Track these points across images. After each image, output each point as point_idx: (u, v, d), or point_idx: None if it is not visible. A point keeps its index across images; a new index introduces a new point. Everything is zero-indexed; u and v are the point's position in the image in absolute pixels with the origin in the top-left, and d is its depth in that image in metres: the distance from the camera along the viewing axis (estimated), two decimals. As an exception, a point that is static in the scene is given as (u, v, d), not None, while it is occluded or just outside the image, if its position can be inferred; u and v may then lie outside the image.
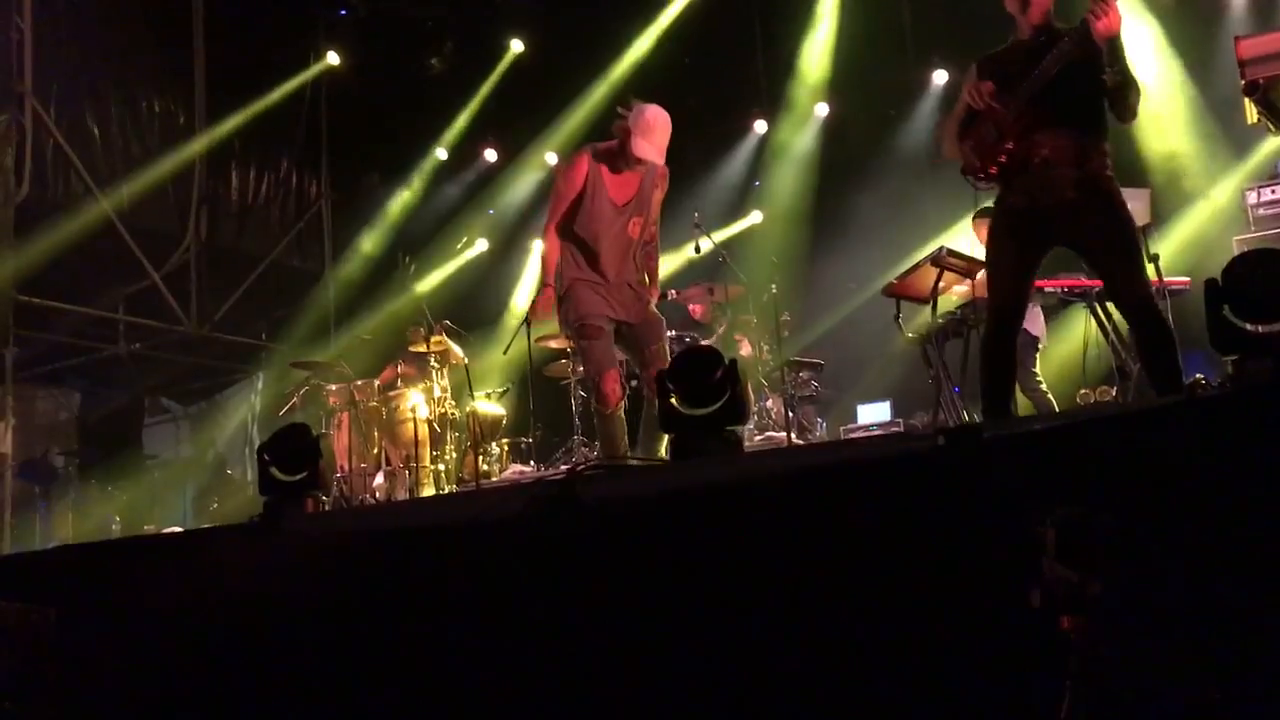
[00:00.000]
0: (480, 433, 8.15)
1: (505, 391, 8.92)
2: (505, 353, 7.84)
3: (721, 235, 9.46)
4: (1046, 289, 5.44)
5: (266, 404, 11.26)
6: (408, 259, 12.05)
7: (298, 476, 4.08)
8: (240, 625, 3.52)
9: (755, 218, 10.62)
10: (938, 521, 2.59)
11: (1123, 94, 3.95)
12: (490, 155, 11.76)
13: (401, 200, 11.81)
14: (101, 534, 9.12)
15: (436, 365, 8.43)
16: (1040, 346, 6.65)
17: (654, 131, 4.91)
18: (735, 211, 10.65)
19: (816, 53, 10.32)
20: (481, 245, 11.54)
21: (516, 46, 11.36)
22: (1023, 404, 6.26)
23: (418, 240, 11.91)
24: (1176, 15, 8.56)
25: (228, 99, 10.40)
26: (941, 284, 5.95)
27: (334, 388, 8.62)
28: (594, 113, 10.34)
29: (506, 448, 8.63)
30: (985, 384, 4.19)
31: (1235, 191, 7.22)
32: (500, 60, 11.41)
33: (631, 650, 2.89)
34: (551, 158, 10.88)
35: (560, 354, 8.12)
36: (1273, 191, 6.65)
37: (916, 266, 5.99)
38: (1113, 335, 5.49)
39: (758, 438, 7.59)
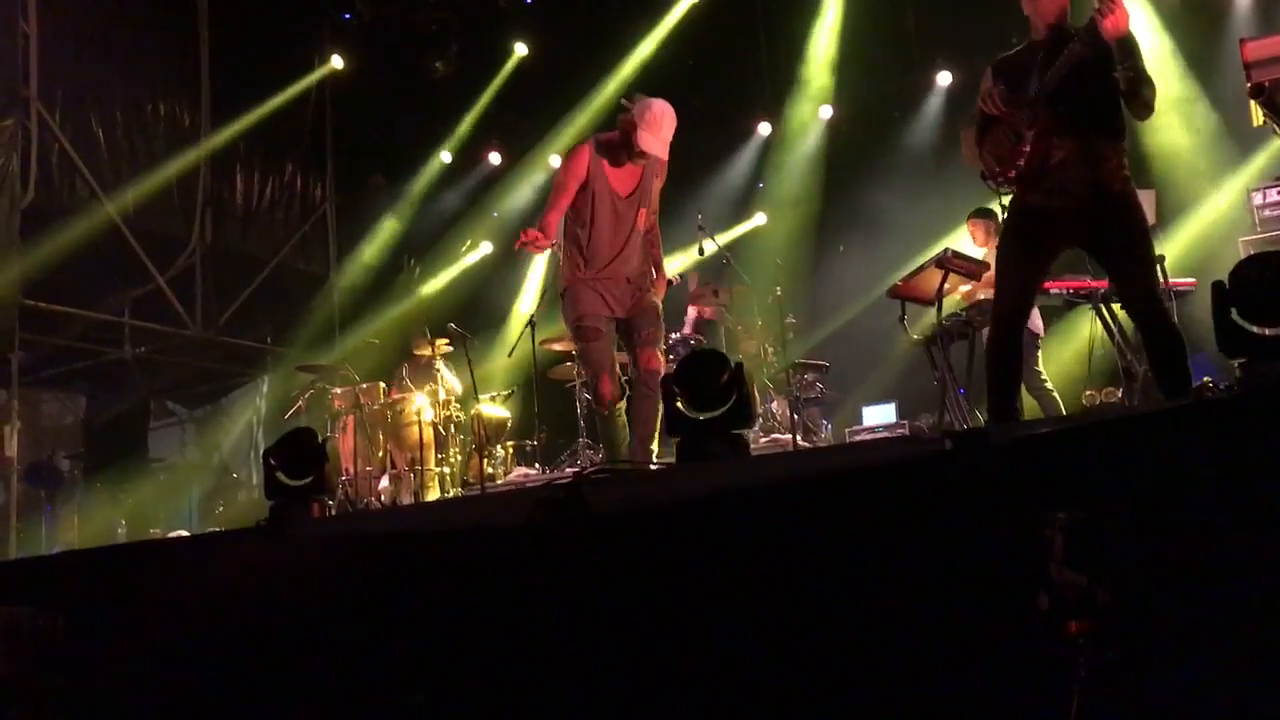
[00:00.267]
0: (485, 435, 8.15)
1: (510, 394, 8.92)
2: (510, 355, 7.85)
3: (725, 237, 9.47)
4: (1052, 290, 5.43)
5: (271, 407, 11.28)
6: (412, 262, 12.08)
7: (304, 481, 4.08)
8: (247, 629, 3.52)
9: (759, 219, 10.62)
10: (945, 526, 2.59)
11: (1137, 90, 3.93)
12: (494, 158, 11.77)
13: (407, 203, 11.82)
14: (107, 538, 9.13)
15: (441, 369, 8.44)
16: (1040, 343, 6.65)
17: (659, 125, 4.89)
18: (739, 213, 10.65)
19: (820, 54, 10.32)
20: (485, 248, 11.55)
21: (520, 50, 11.38)
22: (1028, 404, 6.26)
23: (422, 243, 11.94)
24: (1181, 18, 8.55)
25: (232, 103, 10.43)
26: (946, 286, 5.94)
27: (339, 391, 8.63)
28: (598, 115, 10.35)
29: (511, 450, 8.63)
30: (992, 385, 4.18)
31: (1241, 193, 7.21)
32: (504, 64, 11.43)
33: (640, 654, 2.89)
34: (555, 161, 10.88)
35: (565, 356, 8.13)
36: (1278, 193, 6.63)
37: (921, 268, 5.99)
38: (1118, 336, 5.48)
39: (763, 440, 7.58)
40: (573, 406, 8.03)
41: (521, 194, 11.41)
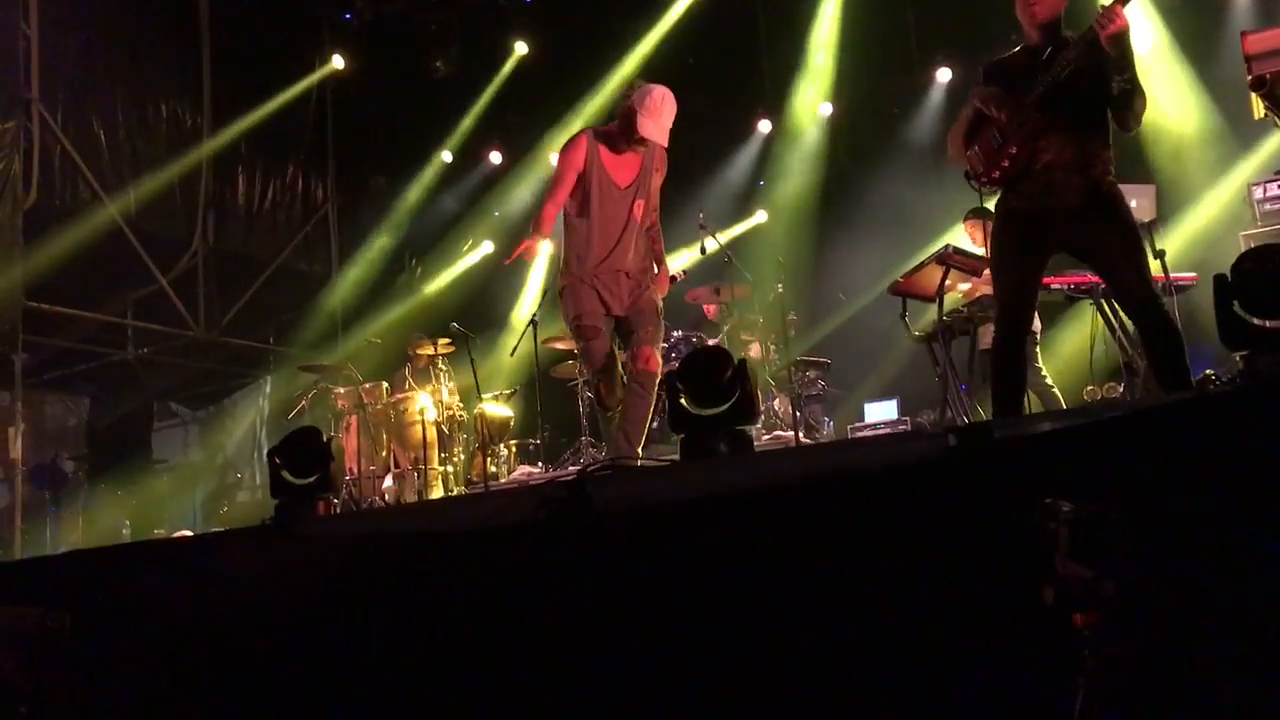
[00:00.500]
0: (488, 434, 8.17)
1: (513, 393, 8.93)
2: (512, 354, 7.86)
3: (727, 235, 9.48)
4: (1053, 286, 5.43)
5: (274, 408, 11.30)
6: (414, 261, 12.10)
7: (309, 479, 4.09)
8: (254, 627, 3.54)
9: (760, 217, 10.63)
10: (950, 520, 2.60)
11: (1129, 102, 3.94)
12: (495, 158, 11.78)
13: (408, 202, 11.83)
14: (111, 538, 9.14)
15: (444, 368, 8.46)
16: (1038, 340, 6.66)
17: (659, 111, 4.85)
18: (740, 211, 10.66)
19: (820, 52, 10.32)
20: (487, 247, 11.56)
21: (521, 49, 11.38)
22: (1030, 400, 6.26)
23: (424, 243, 11.95)
24: (1181, 11, 8.55)
25: (234, 104, 10.44)
26: (947, 282, 5.95)
27: (342, 391, 8.65)
28: (598, 114, 10.35)
29: (515, 449, 8.64)
30: (996, 386, 4.19)
31: (1241, 187, 7.21)
32: (505, 63, 11.44)
33: (645, 651, 2.90)
34: (556, 159, 10.89)
35: (567, 355, 8.14)
36: (1279, 187, 6.64)
37: (922, 265, 5.99)
38: (1119, 332, 5.48)
39: (765, 437, 7.59)
40: (575, 405, 8.04)
41: (522, 193, 11.41)
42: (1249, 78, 4.31)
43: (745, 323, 8.52)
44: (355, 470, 8.18)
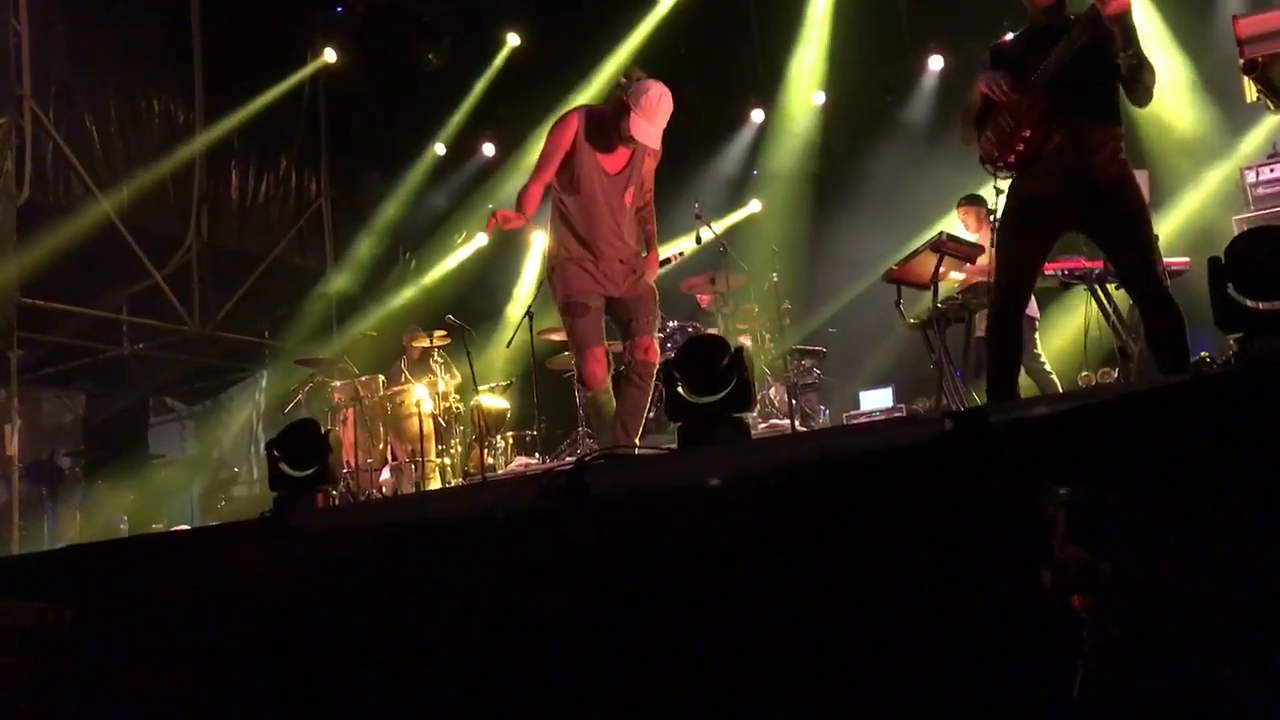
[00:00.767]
0: (485, 426, 8.17)
1: (509, 385, 8.93)
2: (508, 346, 7.85)
3: (722, 225, 9.48)
4: (1047, 272, 5.44)
5: (271, 402, 11.29)
6: (408, 255, 12.09)
7: (307, 472, 4.10)
8: (254, 620, 3.54)
9: (754, 207, 10.63)
10: (947, 504, 2.61)
11: (1138, 76, 3.96)
12: (488, 150, 11.76)
13: (402, 195, 11.81)
14: (109, 534, 9.14)
15: (439, 360, 8.46)
16: (1036, 325, 6.67)
17: (654, 112, 4.71)
18: (734, 201, 10.66)
19: (812, 40, 10.31)
20: (481, 240, 11.55)
21: (513, 40, 11.36)
22: (1026, 385, 6.28)
23: (418, 236, 11.94)
24: (1174, -5, 8.56)
25: (226, 98, 10.42)
26: (942, 269, 5.96)
27: (338, 384, 8.64)
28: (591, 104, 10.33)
29: (511, 441, 8.65)
30: (991, 368, 4.20)
31: (1234, 171, 7.22)
32: (497, 54, 11.41)
33: (644, 639, 2.91)
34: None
35: (563, 346, 8.13)
36: (1272, 170, 6.64)
37: (916, 252, 6.00)
38: (1114, 317, 5.50)
39: (761, 426, 7.60)
40: (572, 396, 8.04)
41: (516, 185, 11.34)
42: (1241, 61, 4.32)
43: (740, 312, 8.53)
44: (352, 463, 8.18)
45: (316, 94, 11.54)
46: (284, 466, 4.13)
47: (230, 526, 4.66)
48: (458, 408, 8.47)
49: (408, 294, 11.57)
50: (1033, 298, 6.48)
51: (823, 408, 8.61)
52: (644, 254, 5.08)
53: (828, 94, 10.35)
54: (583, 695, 2.96)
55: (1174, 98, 8.32)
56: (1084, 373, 6.95)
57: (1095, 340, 6.35)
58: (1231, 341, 2.97)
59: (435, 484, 7.93)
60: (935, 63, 9.87)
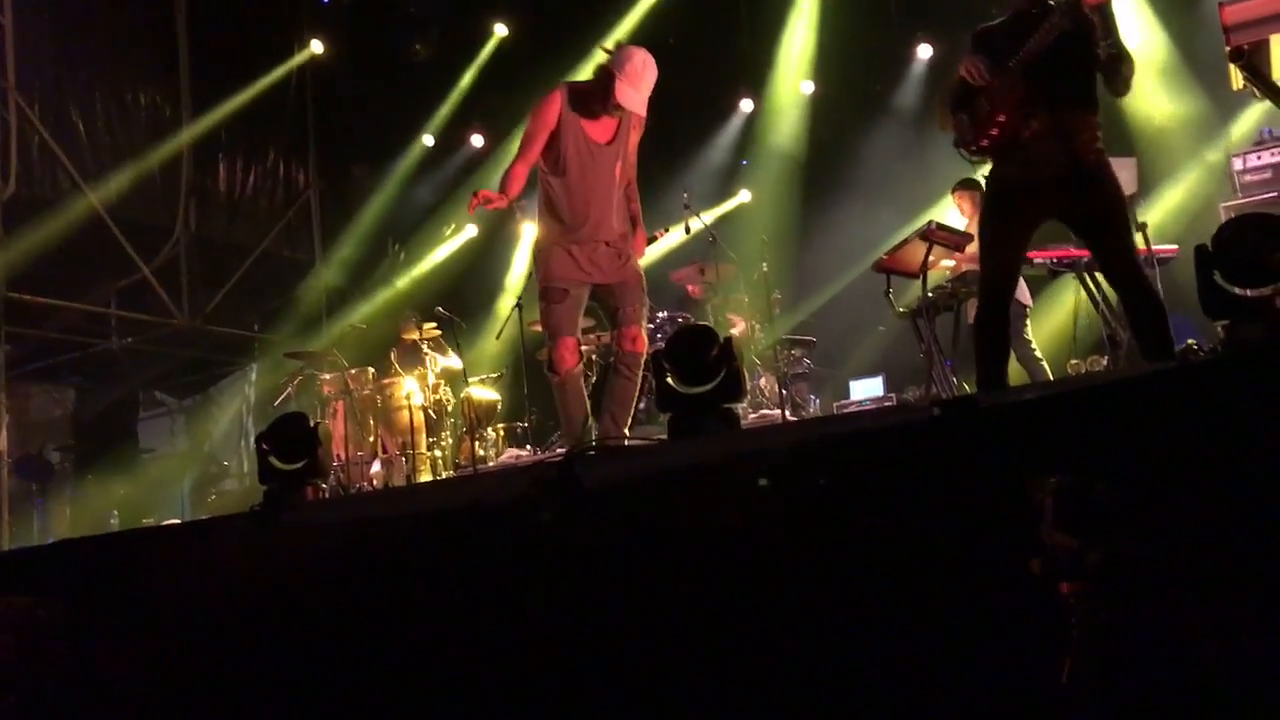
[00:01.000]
0: (476, 418, 8.17)
1: (499, 377, 8.93)
2: (498, 338, 7.86)
3: (711, 215, 9.47)
4: (1036, 260, 5.46)
5: (261, 395, 11.28)
6: (397, 246, 12.06)
7: (297, 465, 4.09)
8: (244, 613, 3.54)
9: (744, 196, 10.63)
10: (936, 492, 2.62)
11: (1117, 67, 3.97)
12: (476, 140, 11.74)
13: (390, 187, 11.78)
14: (99, 529, 9.12)
15: (430, 352, 8.45)
16: (1028, 313, 6.69)
17: (639, 78, 4.65)
18: (724, 191, 10.66)
19: (801, 30, 10.32)
20: (470, 231, 11.53)
21: (500, 31, 11.33)
22: (1018, 373, 6.30)
23: (406, 227, 11.91)
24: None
25: (213, 90, 10.37)
26: (931, 258, 5.97)
27: (328, 377, 8.63)
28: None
29: (502, 433, 8.65)
30: (980, 358, 4.21)
31: (1222, 158, 7.24)
32: (485, 45, 11.38)
33: (636, 629, 2.92)
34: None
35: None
36: (1259, 157, 6.67)
37: (906, 241, 6.00)
38: (1103, 305, 5.51)
39: (752, 416, 7.61)
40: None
41: (505, 175, 11.35)
42: (1227, 49, 4.32)
43: (730, 302, 8.53)
44: (343, 456, 8.17)
45: (304, 85, 11.49)
46: (273, 460, 4.11)
47: (220, 520, 4.64)
48: (448, 400, 8.47)
49: (397, 286, 11.55)
50: (1025, 286, 6.50)
51: (813, 397, 8.63)
52: (630, 235, 4.98)
53: (817, 83, 10.36)
54: (574, 687, 2.96)
55: (1161, 85, 8.33)
56: (1073, 360, 6.98)
57: (1084, 328, 6.38)
58: (1218, 328, 2.98)
59: (426, 476, 7.93)
60: (924, 51, 9.88)
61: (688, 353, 3.67)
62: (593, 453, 3.62)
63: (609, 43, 4.84)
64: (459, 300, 9.68)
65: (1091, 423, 2.57)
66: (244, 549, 3.73)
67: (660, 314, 7.90)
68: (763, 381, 8.20)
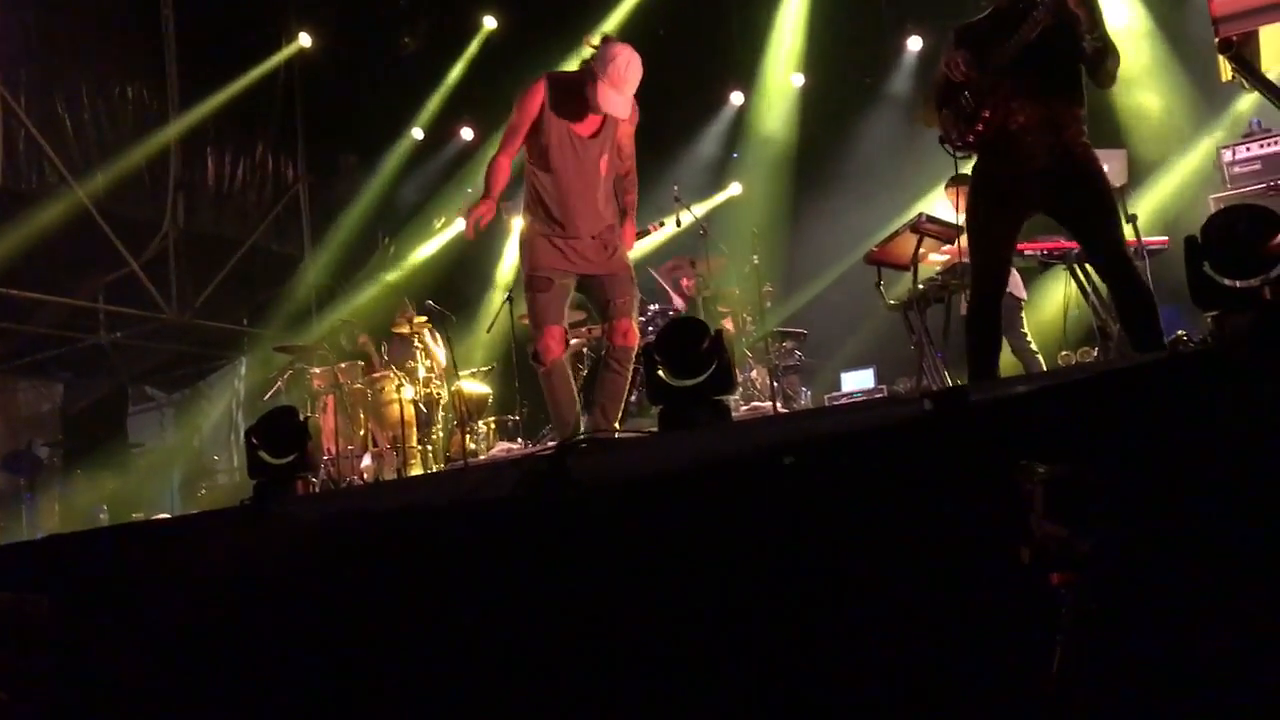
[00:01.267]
0: (466, 412, 8.16)
1: (490, 370, 8.92)
2: (489, 331, 7.85)
3: (701, 208, 9.47)
4: (1026, 252, 5.47)
5: (250, 389, 11.25)
6: (387, 240, 12.03)
7: (287, 459, 4.08)
8: (234, 607, 3.53)
9: (735, 189, 10.62)
10: (927, 483, 2.62)
11: (1102, 59, 3.97)
12: (466, 134, 11.71)
13: (380, 181, 11.75)
14: (88, 524, 9.09)
15: (420, 346, 8.43)
16: (1023, 305, 6.70)
17: (623, 80, 4.54)
18: (714, 184, 10.64)
19: (791, 23, 10.30)
20: (460, 225, 11.49)
21: (490, 23, 11.30)
22: (1011, 365, 6.31)
23: (396, 221, 11.88)
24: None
25: (200, 84, 10.32)
26: (922, 250, 5.97)
27: (318, 371, 8.60)
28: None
29: (493, 426, 8.63)
30: (971, 349, 4.22)
31: (1211, 150, 7.25)
32: (474, 37, 11.35)
33: (628, 622, 2.92)
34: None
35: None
36: (1248, 149, 6.68)
37: (896, 234, 6.01)
38: (1093, 297, 5.52)
39: (743, 408, 7.61)
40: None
41: (495, 170, 11.32)
42: (1216, 40, 4.32)
43: (722, 295, 8.53)
44: (333, 450, 8.15)
45: (292, 78, 11.44)
46: (263, 454, 4.11)
47: (211, 515, 4.63)
48: (439, 394, 8.45)
49: (387, 279, 11.51)
50: (1018, 278, 6.52)
51: (804, 390, 8.64)
52: (620, 226, 4.95)
53: (807, 76, 10.35)
54: (567, 680, 2.96)
55: (1151, 77, 8.35)
56: (1064, 352, 6.99)
57: (1075, 320, 6.38)
58: (1208, 319, 2.99)
59: (417, 470, 7.91)
60: (914, 43, 9.88)
61: (679, 345, 3.68)
62: (583, 445, 3.62)
63: (595, 37, 4.75)
64: (449, 293, 9.66)
65: (1082, 414, 2.57)
66: (234, 543, 3.72)
67: (651, 307, 7.89)
68: (754, 374, 8.20)
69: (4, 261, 8.54)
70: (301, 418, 4.19)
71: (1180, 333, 3.64)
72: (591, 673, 2.92)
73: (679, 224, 7.78)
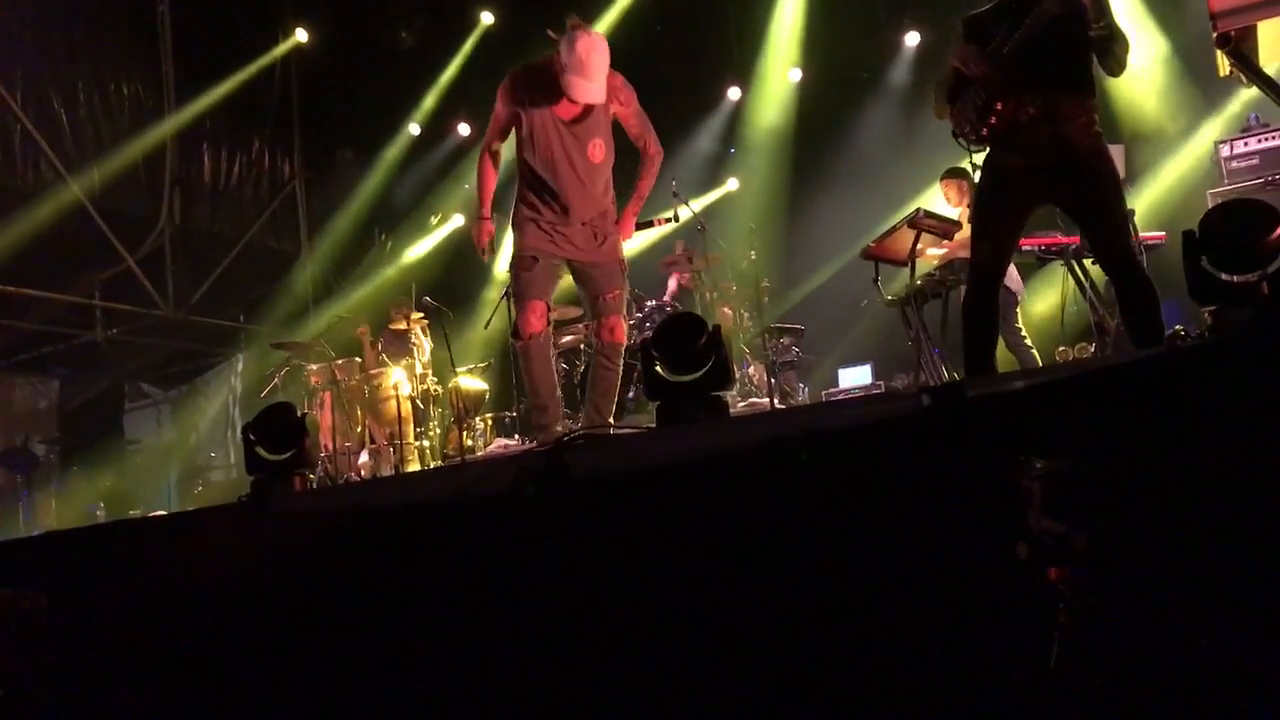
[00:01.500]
0: (463, 408, 8.15)
1: (487, 366, 8.91)
2: (486, 327, 7.82)
3: (699, 203, 9.47)
4: (1024, 247, 5.47)
5: (247, 386, 11.25)
6: (383, 236, 12.02)
7: (284, 455, 4.07)
8: (231, 604, 3.53)
9: (732, 185, 10.62)
10: (924, 479, 2.62)
11: (1110, 48, 3.97)
12: (463, 129, 11.69)
13: (376, 177, 11.73)
14: (85, 521, 9.10)
15: (417, 342, 8.43)
16: (1020, 300, 6.70)
17: (587, 67, 4.47)
18: (712, 179, 10.65)
19: (788, 18, 10.29)
20: (457, 221, 11.49)
21: (486, 19, 11.28)
22: (1007, 359, 6.31)
23: (393, 217, 11.86)
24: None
25: (196, 80, 10.30)
26: (919, 245, 5.97)
27: (315, 367, 8.60)
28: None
29: (490, 422, 8.63)
30: (968, 343, 4.21)
31: (1209, 145, 7.25)
32: (471, 33, 11.33)
33: (626, 617, 2.91)
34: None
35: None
36: (1245, 144, 6.67)
37: (894, 229, 6.00)
38: (1090, 292, 5.52)
39: (741, 404, 7.61)
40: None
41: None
42: (1214, 35, 4.31)
43: (719, 290, 8.53)
44: (330, 447, 8.14)
45: (288, 74, 11.42)
46: (260, 450, 4.09)
47: (208, 511, 4.62)
48: (435, 390, 8.45)
49: (384, 276, 11.50)
50: (1016, 273, 6.51)
51: (802, 385, 8.63)
52: (614, 216, 4.90)
53: (804, 70, 10.34)
54: (565, 673, 2.96)
55: (1149, 72, 8.35)
56: (1061, 348, 6.99)
57: (1072, 315, 6.38)
58: (1205, 314, 2.98)
59: (414, 467, 7.91)
60: (911, 38, 9.87)
61: (676, 341, 3.67)
62: (580, 441, 3.62)
63: (558, 26, 4.69)
64: (446, 290, 9.64)
65: (1080, 410, 2.57)
66: (231, 540, 3.72)
67: (649, 303, 7.89)
68: (751, 370, 8.20)
69: (0, 258, 8.52)
70: (298, 414, 4.17)
71: (1178, 328, 3.64)
72: (590, 666, 2.92)
73: (677, 219, 7.77)
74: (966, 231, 5.56)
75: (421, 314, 8.39)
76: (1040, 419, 2.61)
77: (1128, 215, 4.10)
